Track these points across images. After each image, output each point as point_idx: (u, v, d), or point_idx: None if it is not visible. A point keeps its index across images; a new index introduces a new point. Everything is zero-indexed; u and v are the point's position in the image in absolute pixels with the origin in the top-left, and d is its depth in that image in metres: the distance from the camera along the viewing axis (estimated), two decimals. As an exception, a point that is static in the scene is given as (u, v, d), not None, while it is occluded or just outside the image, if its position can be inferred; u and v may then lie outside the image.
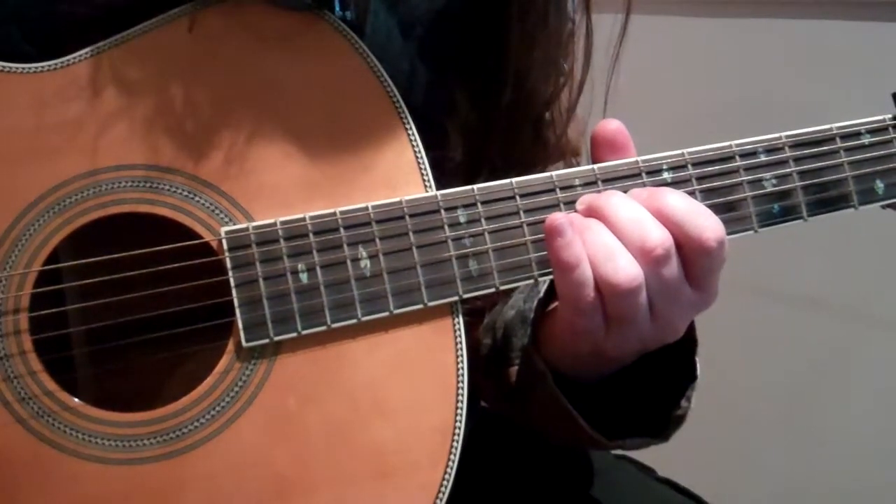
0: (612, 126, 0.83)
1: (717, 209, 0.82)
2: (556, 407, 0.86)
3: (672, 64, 1.78)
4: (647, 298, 0.78)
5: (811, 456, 1.85)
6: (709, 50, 1.86)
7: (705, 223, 0.78)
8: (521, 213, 0.81)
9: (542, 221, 0.81)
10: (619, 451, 1.10)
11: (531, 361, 0.87)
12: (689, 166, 0.84)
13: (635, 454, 1.09)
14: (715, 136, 0.86)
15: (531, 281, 0.83)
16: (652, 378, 0.89)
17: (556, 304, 0.85)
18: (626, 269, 0.77)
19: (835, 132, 0.87)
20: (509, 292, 0.97)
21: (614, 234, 0.78)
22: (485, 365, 0.96)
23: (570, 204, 0.82)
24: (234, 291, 0.77)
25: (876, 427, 1.80)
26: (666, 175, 0.84)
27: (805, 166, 0.85)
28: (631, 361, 0.86)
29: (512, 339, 0.92)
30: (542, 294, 0.88)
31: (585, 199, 0.81)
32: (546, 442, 1.10)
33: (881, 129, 0.88)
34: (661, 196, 0.79)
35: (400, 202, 0.80)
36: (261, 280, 0.77)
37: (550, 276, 0.82)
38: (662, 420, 0.88)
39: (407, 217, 0.80)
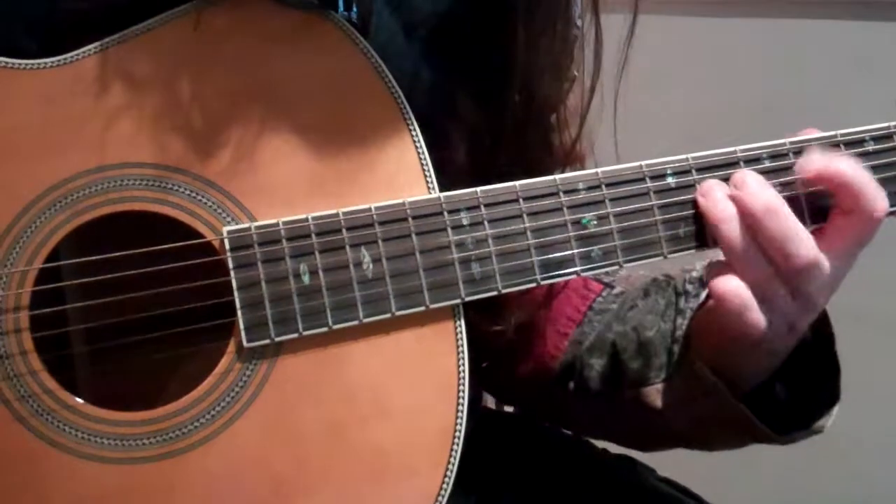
0: None
1: None
2: (727, 416, 0.87)
3: (672, 64, 1.78)
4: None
5: (811, 456, 1.85)
6: (709, 50, 1.85)
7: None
8: (525, 216, 0.81)
9: (545, 226, 0.81)
10: (618, 452, 1.10)
11: (699, 376, 0.87)
12: (694, 171, 0.83)
13: (635, 454, 1.09)
14: (714, 135, 0.86)
15: (657, 300, 0.88)
16: (793, 374, 0.90)
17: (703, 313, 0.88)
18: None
19: (839, 139, 0.86)
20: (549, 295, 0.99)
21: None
22: (592, 386, 0.98)
23: (573, 208, 0.82)
24: (235, 292, 0.77)
25: (876, 427, 1.80)
26: (670, 180, 0.83)
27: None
28: (783, 357, 0.87)
29: (652, 360, 0.93)
30: (696, 307, 0.90)
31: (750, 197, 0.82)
32: (545, 442, 1.11)
33: (885, 137, 0.87)
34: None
35: (403, 204, 0.80)
36: (263, 281, 0.77)
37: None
38: (814, 413, 0.89)
39: (410, 219, 0.79)
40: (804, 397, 0.90)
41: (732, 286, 0.80)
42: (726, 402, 0.86)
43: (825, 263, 0.81)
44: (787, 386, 0.90)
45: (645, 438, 1.02)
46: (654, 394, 0.92)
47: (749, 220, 0.81)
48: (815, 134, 0.86)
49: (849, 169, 0.82)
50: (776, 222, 0.80)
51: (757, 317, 0.81)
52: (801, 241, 0.80)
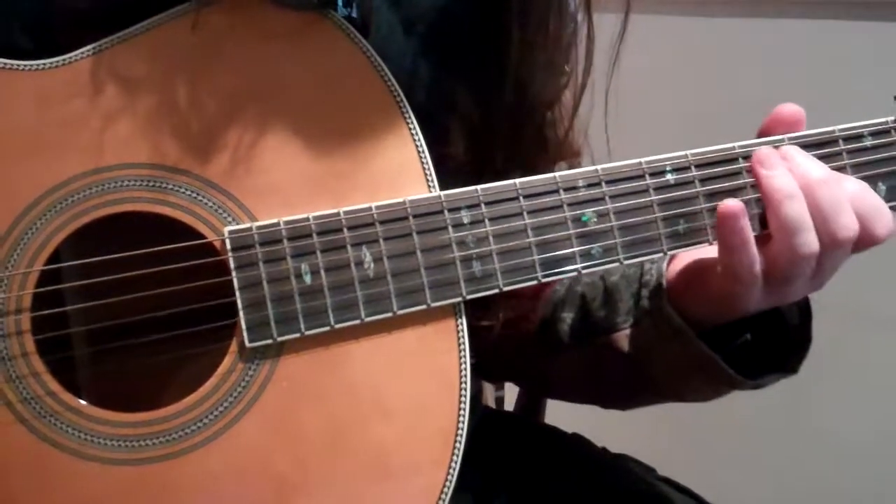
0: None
1: None
2: (694, 359, 0.87)
3: (672, 64, 1.78)
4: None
5: (811, 456, 1.85)
6: (709, 50, 1.85)
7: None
8: (525, 214, 0.81)
9: (545, 223, 0.81)
10: (618, 451, 1.10)
11: (668, 320, 0.87)
12: (693, 168, 0.84)
13: (634, 453, 1.09)
14: (715, 136, 0.86)
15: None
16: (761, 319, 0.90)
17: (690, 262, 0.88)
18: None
19: (837, 134, 0.86)
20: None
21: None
22: (564, 339, 0.98)
23: (573, 205, 0.82)
24: (237, 292, 0.77)
25: (876, 427, 1.80)
26: (669, 177, 0.83)
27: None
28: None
29: (618, 305, 0.93)
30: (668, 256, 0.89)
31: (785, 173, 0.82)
32: (545, 442, 1.10)
33: (884, 132, 0.88)
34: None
35: (404, 202, 0.80)
36: (264, 281, 0.77)
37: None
38: (785, 354, 0.90)
39: (410, 218, 0.80)
40: (775, 341, 0.90)
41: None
42: (692, 345, 0.86)
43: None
44: (757, 330, 0.91)
45: (622, 392, 1.02)
46: (623, 339, 0.93)
47: (807, 192, 0.81)
48: (793, 108, 0.86)
49: (859, 197, 0.82)
50: (830, 192, 0.81)
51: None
52: (849, 211, 0.81)
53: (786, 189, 0.81)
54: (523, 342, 1.02)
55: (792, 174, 0.82)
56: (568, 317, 0.98)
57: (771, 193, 0.81)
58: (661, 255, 0.84)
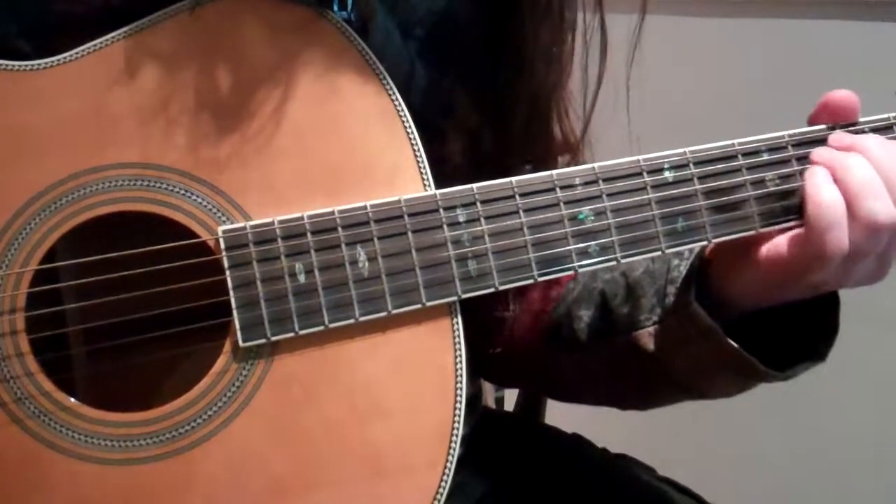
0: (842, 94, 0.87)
1: (719, 209, 0.82)
2: (723, 357, 0.86)
3: (672, 64, 1.78)
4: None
5: (811, 456, 1.85)
6: (709, 50, 1.85)
7: None
8: (521, 212, 0.81)
9: (541, 222, 0.81)
10: (618, 451, 1.10)
11: (694, 318, 0.86)
12: (691, 165, 0.83)
13: (635, 452, 1.09)
14: (714, 136, 0.85)
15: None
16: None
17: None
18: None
19: (840, 131, 0.86)
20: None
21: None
22: (581, 338, 0.97)
23: (569, 203, 0.81)
24: (231, 291, 0.77)
25: (876, 427, 1.80)
26: (667, 174, 0.83)
27: (808, 165, 0.85)
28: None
29: (641, 301, 0.92)
30: (698, 251, 0.88)
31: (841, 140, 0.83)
32: (545, 442, 1.10)
33: (885, 128, 0.87)
34: None
35: (398, 201, 0.79)
36: (258, 280, 0.77)
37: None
38: (812, 342, 0.88)
39: (406, 216, 0.79)
40: (802, 331, 0.89)
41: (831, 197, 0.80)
42: (721, 344, 0.85)
43: None
44: (785, 320, 0.89)
45: (644, 392, 1.00)
46: (647, 337, 0.91)
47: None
48: (843, 94, 0.86)
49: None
50: None
51: (840, 235, 0.80)
52: None
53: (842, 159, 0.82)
54: (542, 349, 1.01)
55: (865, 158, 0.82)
56: (586, 315, 0.97)
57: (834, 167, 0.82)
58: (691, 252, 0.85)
